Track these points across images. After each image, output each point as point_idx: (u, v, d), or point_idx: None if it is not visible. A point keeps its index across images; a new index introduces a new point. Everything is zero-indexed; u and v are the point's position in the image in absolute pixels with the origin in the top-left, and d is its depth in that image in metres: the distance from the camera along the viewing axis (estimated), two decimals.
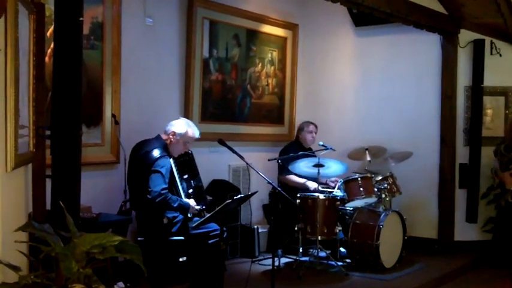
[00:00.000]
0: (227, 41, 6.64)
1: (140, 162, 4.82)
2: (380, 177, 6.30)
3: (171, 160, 4.87)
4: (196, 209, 4.93)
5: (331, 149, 6.38)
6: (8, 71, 2.62)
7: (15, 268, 2.49)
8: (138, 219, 4.97)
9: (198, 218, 4.87)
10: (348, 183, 6.15)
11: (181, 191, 4.94)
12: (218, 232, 4.69)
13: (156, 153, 4.77)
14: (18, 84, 2.78)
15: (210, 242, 4.79)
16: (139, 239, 4.84)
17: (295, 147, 6.60)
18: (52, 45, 4.08)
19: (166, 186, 4.68)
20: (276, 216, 5.64)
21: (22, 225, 2.58)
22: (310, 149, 6.72)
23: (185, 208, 4.82)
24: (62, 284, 2.46)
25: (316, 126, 6.77)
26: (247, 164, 4.85)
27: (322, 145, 6.42)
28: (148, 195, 4.65)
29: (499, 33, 6.75)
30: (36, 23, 3.13)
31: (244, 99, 6.96)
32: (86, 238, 2.53)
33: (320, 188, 6.14)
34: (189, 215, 4.90)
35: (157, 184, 4.64)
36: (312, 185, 6.28)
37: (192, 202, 4.90)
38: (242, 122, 6.95)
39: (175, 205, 4.71)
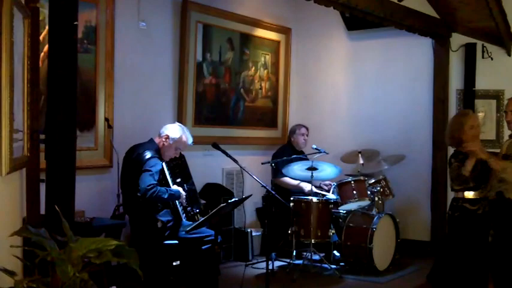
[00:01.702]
0: (221, 45, 6.65)
1: (132, 165, 4.83)
2: (373, 180, 6.33)
3: (164, 164, 4.87)
4: (184, 196, 4.93)
5: (324, 152, 6.39)
6: (3, 75, 2.61)
7: (11, 273, 2.48)
8: (131, 223, 4.97)
9: (191, 222, 4.87)
10: (341, 186, 6.18)
11: None
12: (212, 238, 4.69)
13: (147, 154, 4.79)
14: (13, 88, 2.77)
15: (203, 247, 4.79)
16: (132, 242, 4.84)
17: (287, 150, 6.62)
18: (45, 49, 4.09)
19: (154, 182, 4.67)
20: (269, 219, 5.65)
21: (18, 230, 2.57)
22: (302, 152, 6.74)
23: (176, 196, 4.83)
24: None
25: (307, 129, 6.80)
26: (241, 167, 4.87)
27: (316, 148, 6.43)
28: (138, 194, 4.64)
29: (491, 37, 6.79)
30: (30, 27, 3.12)
31: (237, 103, 6.97)
32: (82, 242, 2.52)
33: (314, 189, 6.16)
34: (183, 219, 4.90)
35: (146, 181, 4.64)
36: (307, 186, 6.29)
37: (181, 189, 4.90)
38: (236, 126, 6.95)
39: (165, 196, 4.71)
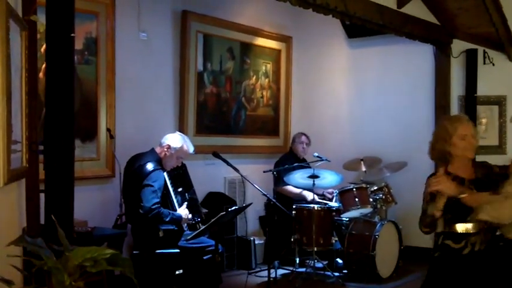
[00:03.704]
0: (221, 54, 6.69)
1: (134, 176, 4.85)
2: (375, 188, 6.32)
3: (165, 174, 4.89)
4: (189, 218, 4.94)
5: (326, 160, 6.40)
6: (0, 86, 2.64)
7: (8, 282, 2.50)
8: (133, 232, 4.99)
9: (191, 232, 4.88)
10: (343, 194, 6.18)
11: (176, 204, 4.96)
12: (213, 248, 4.70)
13: (149, 166, 4.80)
14: (11, 100, 2.80)
15: (205, 257, 4.80)
16: (134, 252, 4.85)
17: (290, 159, 6.64)
18: None
19: (158, 200, 4.69)
20: (271, 227, 5.66)
21: (14, 240, 2.59)
22: (304, 160, 6.75)
23: (177, 220, 4.83)
24: None
25: (307, 137, 6.80)
26: (241, 176, 4.89)
27: (317, 156, 6.44)
28: (140, 210, 4.67)
29: (492, 43, 6.79)
30: (28, 39, 3.16)
31: (239, 112, 6.99)
32: (78, 251, 2.53)
33: (317, 198, 6.17)
34: (184, 228, 4.91)
35: (150, 199, 4.66)
36: (309, 194, 6.29)
37: (183, 212, 4.91)
38: (237, 134, 6.98)
39: (167, 219, 4.73)
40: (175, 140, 5.03)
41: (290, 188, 6.43)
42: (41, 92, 3.74)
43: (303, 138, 6.78)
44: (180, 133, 5.24)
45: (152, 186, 4.71)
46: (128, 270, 2.48)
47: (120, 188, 5.25)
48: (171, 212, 4.81)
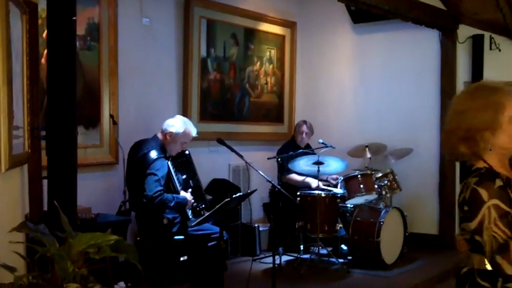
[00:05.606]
0: (225, 40, 6.63)
1: (138, 164, 4.80)
2: (380, 174, 6.28)
3: (169, 162, 4.84)
4: (192, 202, 4.90)
5: (330, 146, 6.36)
6: (0, 71, 2.60)
7: (11, 269, 2.48)
8: (137, 219, 4.96)
9: (195, 219, 4.85)
10: (348, 181, 6.14)
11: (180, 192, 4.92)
12: (218, 235, 4.67)
13: (153, 154, 4.74)
14: (12, 85, 2.77)
15: (209, 244, 4.77)
16: (138, 238, 4.84)
17: (291, 147, 6.58)
18: None
19: (161, 188, 4.65)
20: (276, 214, 5.63)
21: (17, 226, 2.57)
22: (309, 147, 6.71)
23: (183, 203, 4.80)
24: (58, 284, 2.44)
25: (308, 127, 6.68)
26: (246, 162, 4.84)
27: (322, 143, 6.40)
28: (144, 200, 4.63)
29: (498, 29, 6.71)
30: (28, 23, 3.12)
31: (243, 98, 6.94)
32: (82, 238, 2.51)
33: (322, 185, 6.13)
34: (189, 216, 4.88)
35: (153, 188, 4.61)
36: (313, 181, 6.25)
37: (188, 196, 4.88)
38: (241, 121, 6.94)
39: (172, 204, 4.69)
40: (177, 125, 4.95)
41: (294, 176, 6.39)
42: (43, 78, 3.71)
43: (304, 127, 6.66)
44: (181, 116, 5.15)
45: (155, 175, 4.66)
46: (132, 256, 2.47)
47: (123, 175, 5.22)
48: (175, 196, 4.76)
